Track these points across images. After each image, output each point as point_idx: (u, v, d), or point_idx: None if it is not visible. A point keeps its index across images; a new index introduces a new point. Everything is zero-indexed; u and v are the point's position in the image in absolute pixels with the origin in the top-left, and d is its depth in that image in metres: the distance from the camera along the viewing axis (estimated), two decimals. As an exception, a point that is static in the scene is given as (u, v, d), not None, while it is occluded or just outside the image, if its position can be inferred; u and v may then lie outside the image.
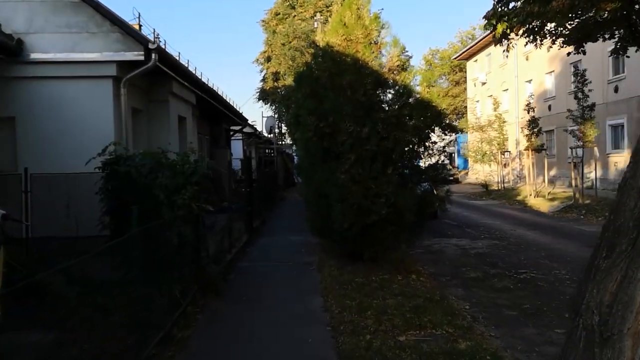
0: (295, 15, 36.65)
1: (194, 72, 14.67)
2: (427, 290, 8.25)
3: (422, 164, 10.24)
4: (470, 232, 14.97)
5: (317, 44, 11.03)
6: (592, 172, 22.56)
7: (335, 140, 8.94)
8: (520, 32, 14.44)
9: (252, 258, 11.31)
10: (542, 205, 21.39)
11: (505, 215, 19.30)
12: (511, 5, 13.96)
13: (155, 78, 11.85)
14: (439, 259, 11.40)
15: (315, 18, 32.41)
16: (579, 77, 20.50)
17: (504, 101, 35.42)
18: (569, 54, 16.98)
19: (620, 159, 24.66)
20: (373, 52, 9.81)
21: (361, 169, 8.54)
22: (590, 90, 20.40)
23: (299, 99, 10.41)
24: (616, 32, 16.12)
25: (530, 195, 24.27)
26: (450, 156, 43.37)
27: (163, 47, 11.39)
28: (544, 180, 25.98)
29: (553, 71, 30.97)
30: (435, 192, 9.51)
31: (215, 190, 19.14)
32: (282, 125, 36.36)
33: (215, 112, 19.71)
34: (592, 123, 20.14)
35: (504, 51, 16.35)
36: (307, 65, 10.57)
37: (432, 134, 9.42)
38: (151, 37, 10.93)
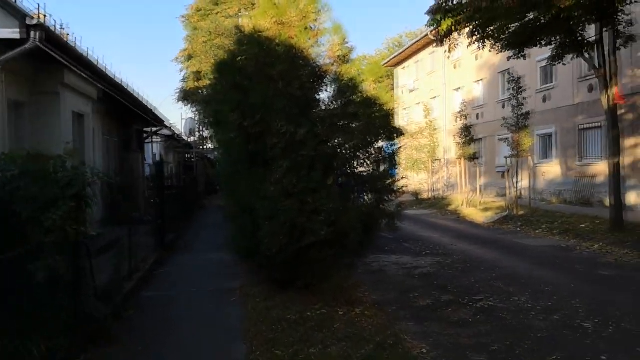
0: (218, 12, 34.56)
1: (97, 62, 12.51)
2: (375, 329, 6.72)
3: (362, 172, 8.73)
4: (410, 248, 13.67)
5: (242, 30, 9.28)
6: (523, 182, 22.06)
7: (265, 143, 7.25)
8: (466, 30, 13.46)
9: (161, 284, 9.39)
10: (476, 215, 20.59)
11: (441, 227, 18.26)
12: (455, 0, 12.93)
13: (44, 65, 9.72)
14: (381, 281, 9.94)
15: (240, 14, 30.56)
16: (514, 85, 19.87)
17: (433, 109, 35.00)
18: (509, 58, 16.20)
19: (549, 169, 24.44)
20: (310, 39, 8.24)
21: (296, 179, 6.89)
22: (524, 99, 19.81)
23: (219, 92, 8.67)
24: (553, 39, 15.48)
25: (463, 204, 23.54)
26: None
27: (53, 27, 9.30)
28: (474, 189, 25.37)
29: (482, 80, 30.71)
30: (381, 206, 8.00)
31: (125, 199, 16.92)
32: (204, 128, 34.16)
33: (127, 112, 17.47)
34: (527, 132, 19.55)
35: (445, 51, 15.35)
36: (230, 52, 8.81)
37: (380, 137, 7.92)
38: (36, 12, 8.83)
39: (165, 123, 24.38)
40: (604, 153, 21.26)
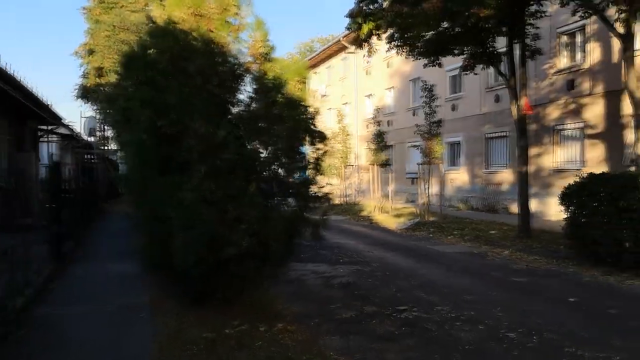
0: (123, 6, 32.74)
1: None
2: (300, 346, 6.24)
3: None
4: (326, 255, 13.31)
5: (154, 20, 8.48)
6: (433, 188, 22.48)
7: (180, 145, 6.56)
8: (386, 34, 13.35)
9: (58, 300, 8.38)
10: (388, 221, 20.69)
11: (356, 233, 18.11)
12: (376, 5, 12.77)
13: None
14: (300, 292, 9.49)
15: (148, 8, 29.03)
16: (427, 93, 20.18)
17: (345, 115, 35.15)
18: (425, 65, 16.34)
19: (457, 176, 25.13)
20: (231, 34, 7.63)
21: (215, 185, 6.27)
22: (437, 106, 20.19)
23: (127, 88, 7.86)
24: (465, 49, 15.80)
25: (375, 210, 23.63)
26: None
27: None
28: (385, 195, 25.58)
29: (393, 87, 31.19)
30: (305, 214, 7.52)
31: (16, 203, 15.34)
32: (106, 127, 32.22)
33: (18, 107, 15.90)
34: (439, 139, 19.91)
35: (364, 56, 15.21)
36: (140, 45, 8.00)
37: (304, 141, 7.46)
38: None
39: (62, 121, 22.61)
40: (508, 161, 22.15)
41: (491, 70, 21.39)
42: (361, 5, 12.32)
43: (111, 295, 8.61)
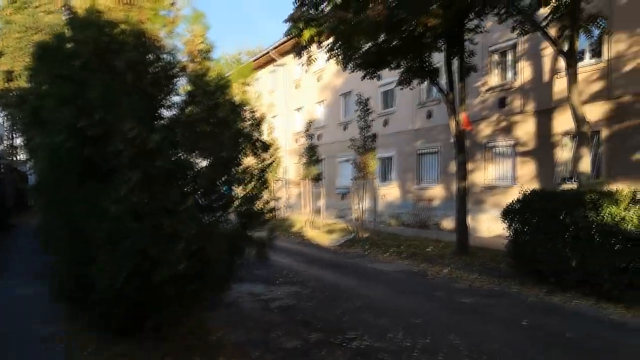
0: (38, 6, 30.47)
1: None
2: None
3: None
4: (261, 274, 12.44)
5: (74, 10, 7.40)
6: (365, 203, 22.11)
7: (106, 149, 5.58)
8: (327, 41, 12.78)
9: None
10: (322, 238, 20.04)
11: (289, 251, 17.30)
12: (318, 10, 12.18)
13: None
14: (238, 317, 8.60)
15: (64, 8, 27.10)
16: (361, 107, 19.84)
17: (274, 128, 34.43)
18: (363, 77, 15.93)
19: (389, 192, 24.94)
20: (166, 26, 6.74)
21: (148, 197, 5.34)
22: (372, 120, 19.87)
23: (41, 84, 6.78)
24: (402, 63, 15.56)
25: (306, 226, 22.94)
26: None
27: None
28: (315, 211, 24.98)
29: (323, 101, 30.81)
30: (248, 232, 6.69)
31: None
32: (16, 135, 29.79)
33: None
34: (373, 154, 19.56)
35: (302, 65, 14.58)
36: (57, 36, 6.91)
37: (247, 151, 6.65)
38: None
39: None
40: (440, 177, 22.17)
41: (424, 86, 21.44)
42: (303, 9, 11.71)
43: (17, 325, 7.39)
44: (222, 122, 6.07)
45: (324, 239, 19.76)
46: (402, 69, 15.76)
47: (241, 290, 10.55)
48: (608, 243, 9.35)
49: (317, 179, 23.47)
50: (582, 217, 10.01)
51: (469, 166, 20.41)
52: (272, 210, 6.84)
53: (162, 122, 6.00)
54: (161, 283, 5.46)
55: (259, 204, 6.83)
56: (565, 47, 11.05)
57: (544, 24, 11.59)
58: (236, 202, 6.67)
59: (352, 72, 15.65)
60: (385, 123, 25.17)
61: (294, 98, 33.97)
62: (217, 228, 6.17)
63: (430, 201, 22.28)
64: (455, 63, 14.93)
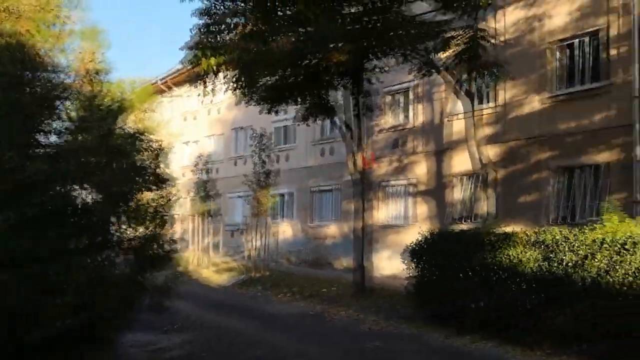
0: None
1: None
2: None
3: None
4: (150, 319, 11.24)
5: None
6: (258, 241, 21.40)
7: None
8: (229, 72, 12.20)
9: None
10: (214, 277, 19.07)
11: (179, 291, 16.13)
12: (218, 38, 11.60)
13: None
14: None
15: None
16: (256, 142, 19.36)
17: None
18: (261, 112, 15.51)
19: (286, 229, 24.47)
20: (51, 40, 5.86)
21: (25, 240, 4.41)
22: (268, 156, 19.40)
23: None
24: (302, 99, 15.37)
25: (197, 264, 21.77)
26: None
27: None
28: (206, 248, 23.86)
29: (214, 135, 30.05)
30: (144, 279, 5.85)
31: None
32: None
33: None
34: (268, 191, 19.03)
35: (199, 95, 13.83)
36: None
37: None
38: None
39: None
40: (335, 216, 22.06)
41: (322, 123, 21.38)
42: (202, 37, 11.11)
43: None
44: (116, 152, 5.27)
45: (217, 279, 18.81)
46: (302, 105, 15.54)
47: (128, 340, 9.42)
48: (510, 284, 9.43)
49: (208, 214, 22.48)
50: (482, 259, 10.09)
51: (368, 205, 20.53)
52: (173, 251, 6.06)
53: (47, 150, 5.09)
54: (36, 345, 4.50)
55: (157, 245, 6.03)
56: (463, 91, 11.35)
57: (441, 68, 11.89)
58: (132, 242, 5.83)
59: (249, 106, 15.20)
60: (287, 158, 24.83)
61: (184, 131, 32.77)
62: (110, 274, 5.29)
63: (325, 239, 22.08)
64: (351, 102, 14.93)
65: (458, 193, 17.24)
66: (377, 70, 14.18)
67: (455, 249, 10.57)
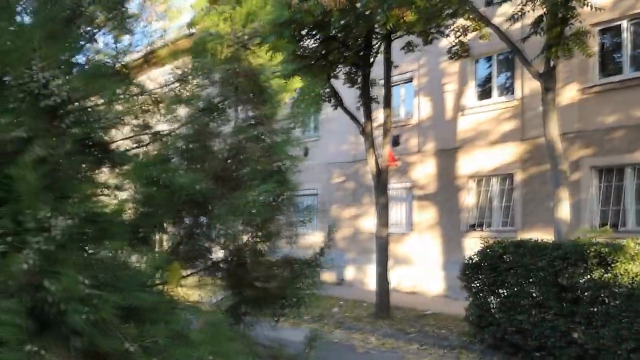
0: None
1: None
2: None
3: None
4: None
5: None
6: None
7: None
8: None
9: None
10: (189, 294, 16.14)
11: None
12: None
13: None
14: None
15: None
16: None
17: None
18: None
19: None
20: None
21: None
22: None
23: None
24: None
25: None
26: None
27: None
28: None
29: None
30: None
31: None
32: None
33: None
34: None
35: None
36: None
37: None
38: None
39: None
40: (320, 222, 19.66)
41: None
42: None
43: None
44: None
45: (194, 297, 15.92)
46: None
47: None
48: (625, 309, 7.45)
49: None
50: (577, 276, 8.07)
51: (355, 211, 18.33)
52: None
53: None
54: None
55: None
56: (542, 69, 9.20)
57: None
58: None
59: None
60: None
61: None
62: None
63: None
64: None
65: (474, 197, 15.26)
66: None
67: (533, 263, 8.50)
